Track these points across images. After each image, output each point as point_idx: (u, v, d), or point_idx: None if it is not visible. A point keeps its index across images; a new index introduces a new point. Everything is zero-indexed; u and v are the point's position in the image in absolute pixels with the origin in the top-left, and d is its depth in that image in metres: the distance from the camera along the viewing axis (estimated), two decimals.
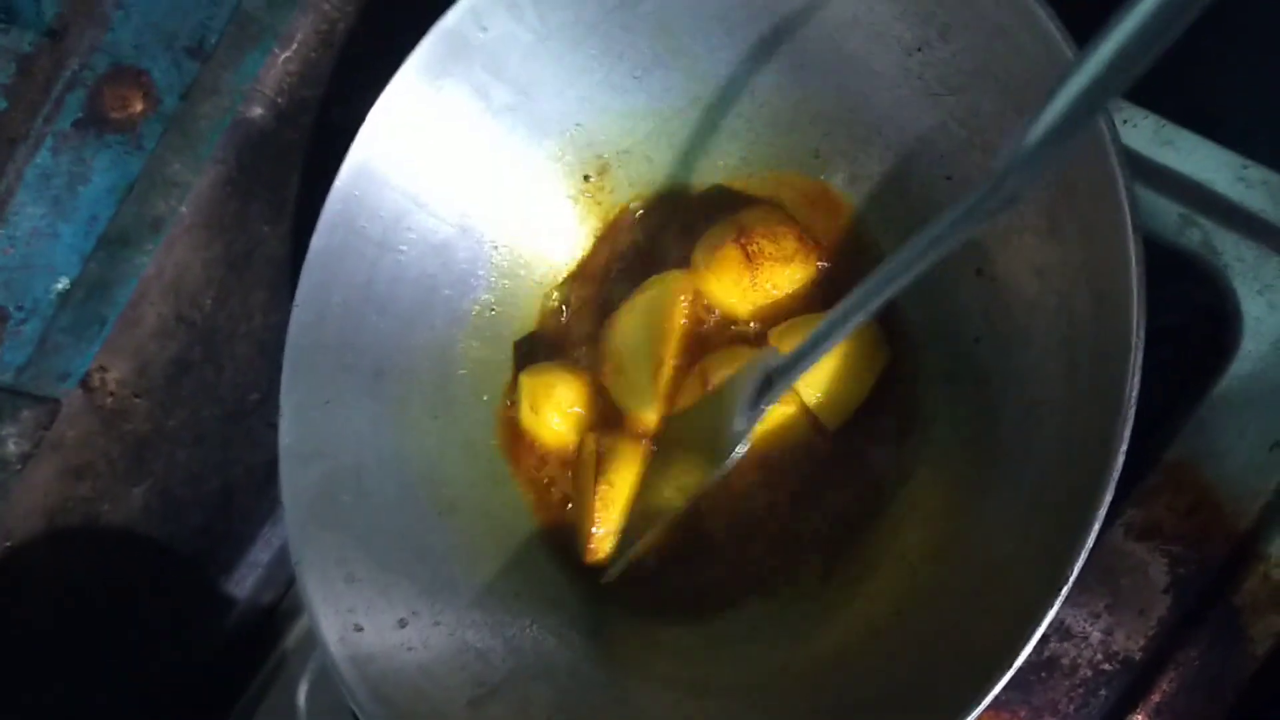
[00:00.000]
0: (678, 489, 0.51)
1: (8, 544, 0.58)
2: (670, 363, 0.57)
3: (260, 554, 0.72)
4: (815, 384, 0.52)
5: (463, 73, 0.57)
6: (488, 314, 0.62)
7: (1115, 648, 0.47)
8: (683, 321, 0.57)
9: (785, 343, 0.52)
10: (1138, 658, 0.47)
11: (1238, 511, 0.47)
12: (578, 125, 0.60)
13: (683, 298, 0.57)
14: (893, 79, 0.50)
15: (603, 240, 0.63)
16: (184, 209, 0.59)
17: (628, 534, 0.54)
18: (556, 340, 0.63)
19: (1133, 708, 0.46)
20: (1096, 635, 0.47)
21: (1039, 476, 0.43)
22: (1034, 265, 0.45)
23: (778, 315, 0.55)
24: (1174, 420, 0.48)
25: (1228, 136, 0.49)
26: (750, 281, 0.55)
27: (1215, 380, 0.48)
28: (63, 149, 0.52)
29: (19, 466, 0.56)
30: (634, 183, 0.62)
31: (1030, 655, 0.37)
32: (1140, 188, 0.48)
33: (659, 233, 0.61)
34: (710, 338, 0.57)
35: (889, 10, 0.48)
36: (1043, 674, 0.47)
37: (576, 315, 0.62)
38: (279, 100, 0.61)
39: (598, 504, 0.55)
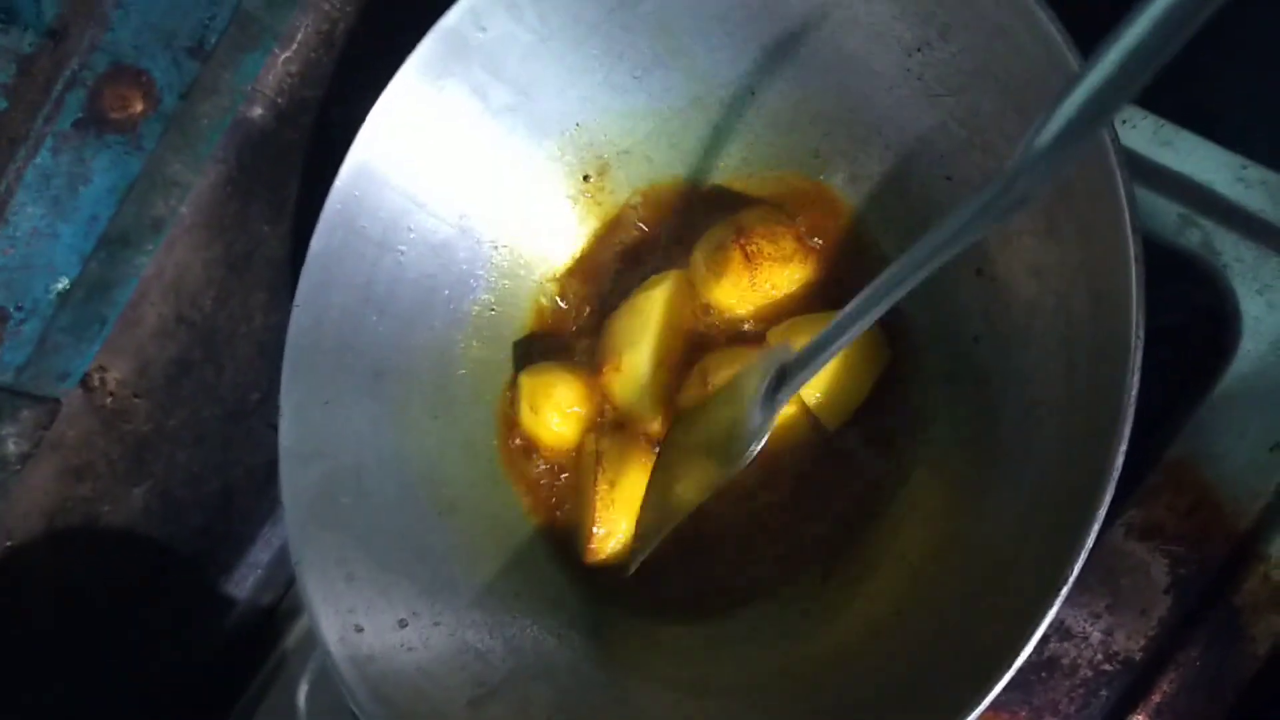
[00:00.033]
0: (694, 485, 0.51)
1: (8, 544, 0.58)
2: (670, 362, 0.57)
3: (260, 554, 0.72)
4: (815, 384, 0.52)
5: (462, 73, 0.57)
6: (487, 314, 0.62)
7: (1116, 648, 0.47)
8: (682, 321, 0.57)
9: (787, 341, 0.52)
10: (1138, 658, 0.47)
11: (1238, 511, 0.47)
12: (578, 125, 0.60)
13: (682, 298, 0.57)
14: (893, 79, 0.50)
15: (602, 240, 0.63)
16: (184, 209, 0.59)
17: (645, 532, 0.54)
18: (556, 340, 0.63)
19: (1133, 708, 0.46)
20: (1097, 635, 0.47)
21: (1039, 476, 0.43)
22: (1033, 265, 0.45)
23: (777, 315, 0.55)
24: (1174, 420, 0.48)
25: (1227, 136, 0.49)
26: (750, 281, 0.55)
27: (1215, 380, 0.48)
28: (63, 149, 0.52)
29: (18, 467, 0.56)
30: (634, 183, 0.62)
31: (1030, 655, 0.37)
32: (1139, 188, 0.48)
33: (659, 233, 0.61)
34: (710, 338, 0.57)
35: (889, 10, 0.48)
36: (1043, 674, 0.47)
37: (576, 315, 0.62)
38: (279, 100, 0.61)
39: (598, 504, 0.55)
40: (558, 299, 0.63)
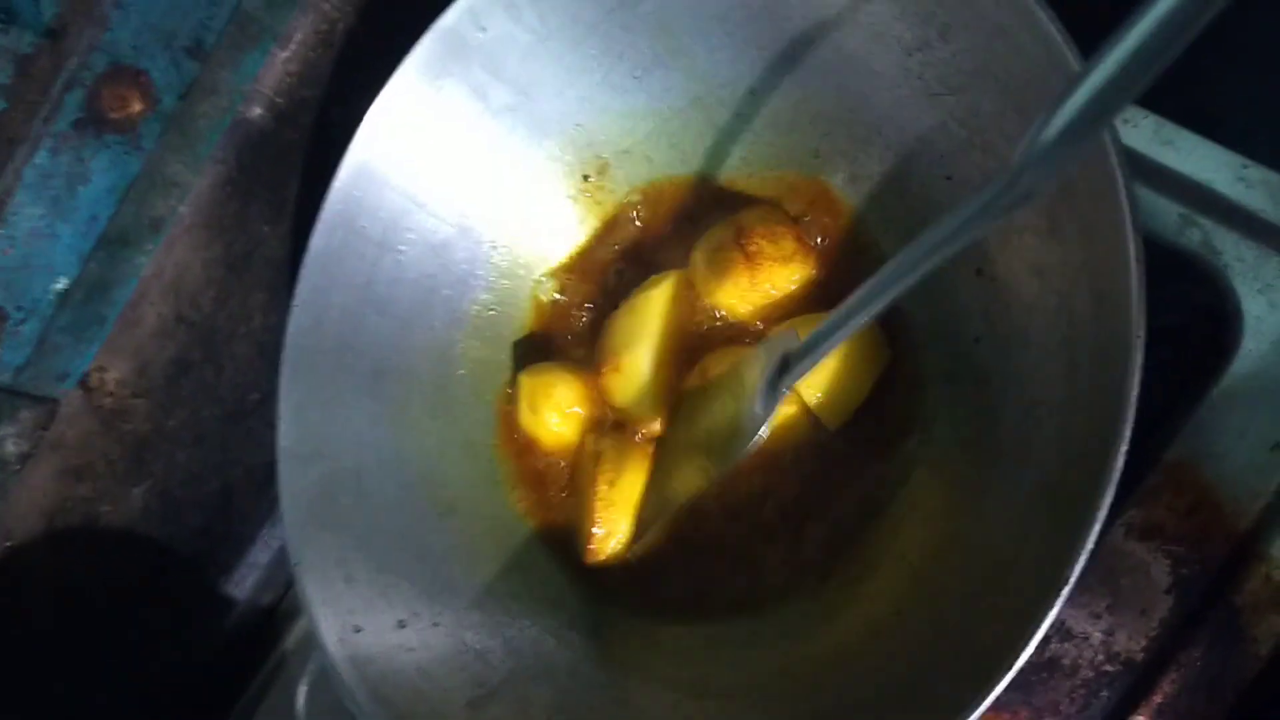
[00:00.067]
0: (695, 474, 0.51)
1: (7, 544, 0.58)
2: (669, 362, 0.57)
3: (260, 554, 0.72)
4: (816, 384, 0.52)
5: (461, 73, 0.57)
6: (487, 314, 0.62)
7: (1116, 648, 0.47)
8: (682, 321, 0.57)
9: (791, 328, 0.52)
10: (1139, 658, 0.46)
11: (1238, 512, 0.47)
12: (577, 125, 0.60)
13: (682, 298, 0.57)
14: (893, 79, 0.50)
15: (602, 240, 0.63)
16: (183, 209, 0.59)
17: (646, 517, 0.54)
18: (556, 340, 0.63)
19: (1134, 708, 0.46)
20: (1098, 636, 0.47)
21: (1039, 476, 0.43)
22: (1034, 265, 0.45)
23: (776, 315, 0.55)
24: (1174, 420, 0.48)
25: (1228, 136, 0.49)
26: (749, 282, 0.55)
27: (1215, 380, 0.48)
28: (62, 149, 0.52)
29: (18, 467, 0.56)
30: (633, 182, 0.62)
31: (1031, 656, 0.37)
32: (1140, 188, 0.48)
33: (658, 233, 0.61)
34: (709, 338, 0.57)
35: (889, 10, 0.48)
36: (1044, 675, 0.47)
37: (576, 315, 0.62)
38: (278, 100, 0.61)
39: (598, 504, 0.55)
40: (557, 299, 0.63)
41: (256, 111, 0.61)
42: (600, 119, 0.60)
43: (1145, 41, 0.25)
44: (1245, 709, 0.46)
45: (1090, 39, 0.41)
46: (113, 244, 0.56)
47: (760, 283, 0.55)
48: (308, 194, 0.64)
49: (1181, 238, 0.49)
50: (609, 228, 0.63)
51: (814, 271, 0.55)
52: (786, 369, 0.44)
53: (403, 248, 0.59)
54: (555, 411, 0.58)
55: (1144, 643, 0.47)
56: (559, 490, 0.60)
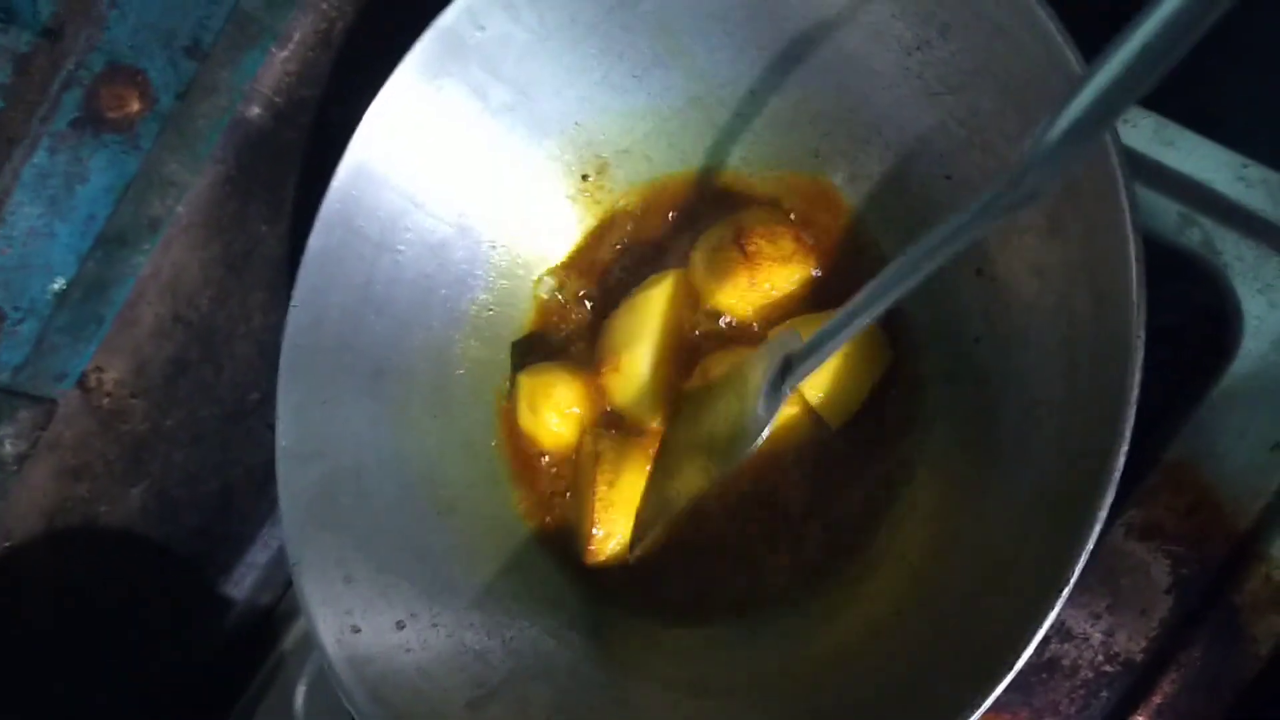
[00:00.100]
0: (697, 475, 0.51)
1: (6, 544, 0.58)
2: (669, 362, 0.57)
3: (258, 555, 0.72)
4: (819, 382, 0.52)
5: (460, 72, 0.57)
6: (486, 314, 0.62)
7: (1116, 649, 0.47)
8: (681, 321, 0.57)
9: (793, 329, 0.52)
10: (1139, 659, 0.46)
11: (1238, 512, 0.47)
12: (576, 125, 0.60)
13: (681, 297, 0.57)
14: (892, 78, 0.50)
15: (601, 240, 0.63)
16: (181, 209, 0.59)
17: (647, 519, 0.54)
18: (555, 340, 0.62)
19: (1134, 709, 0.46)
20: (1097, 636, 0.47)
21: (1039, 476, 0.43)
22: (1034, 265, 0.45)
23: (776, 315, 0.55)
24: (1174, 420, 0.48)
25: (1228, 136, 0.49)
26: (749, 281, 0.54)
27: (1215, 380, 0.48)
28: (60, 149, 0.52)
29: (16, 467, 0.56)
30: (633, 182, 0.62)
31: (1031, 656, 0.37)
32: (1140, 187, 0.48)
33: (658, 232, 0.61)
34: (709, 338, 0.57)
35: (888, 9, 0.48)
36: (1043, 675, 0.47)
37: (575, 315, 0.62)
38: (277, 100, 0.61)
39: (597, 504, 0.54)
40: (557, 298, 0.63)
41: (255, 111, 0.60)
42: (600, 118, 0.60)
43: (1152, 41, 0.25)
44: (1245, 709, 0.46)
45: (1090, 38, 0.41)
46: (111, 243, 0.56)
47: (759, 282, 0.55)
48: (306, 193, 0.64)
49: (1181, 237, 0.49)
50: (608, 227, 0.63)
51: (813, 271, 0.55)
52: (789, 370, 0.44)
53: (401, 247, 0.59)
54: (555, 411, 0.58)
55: (1144, 643, 0.47)
56: (558, 490, 0.60)
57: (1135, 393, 0.38)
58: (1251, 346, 0.48)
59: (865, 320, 0.39)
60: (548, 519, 0.60)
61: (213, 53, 0.57)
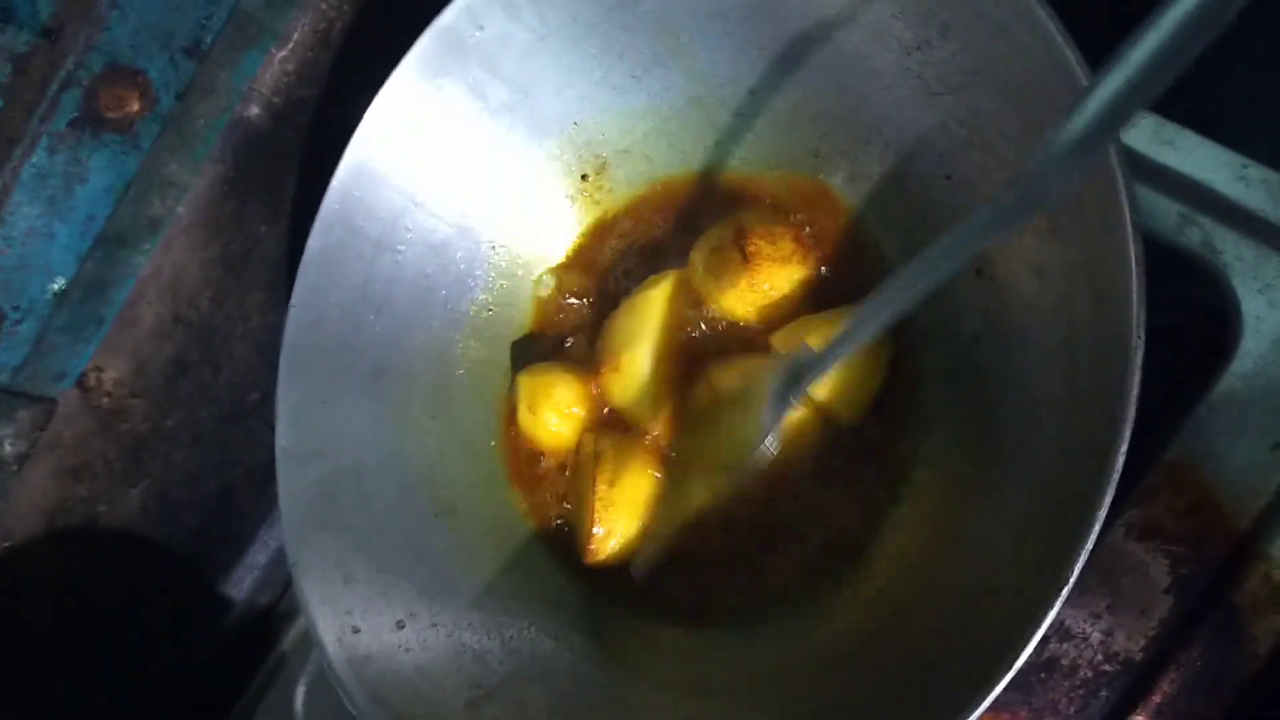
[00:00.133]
0: (708, 488, 0.51)
1: (6, 544, 0.58)
2: (669, 362, 0.56)
3: (258, 555, 0.72)
4: (829, 383, 0.51)
5: (460, 72, 0.56)
6: (485, 314, 0.62)
7: (1116, 648, 0.47)
8: (681, 322, 0.57)
9: (787, 347, 0.52)
10: (1138, 658, 0.46)
11: (1238, 511, 0.47)
12: (576, 124, 0.60)
13: (681, 298, 0.57)
14: (892, 78, 0.50)
15: (601, 240, 0.63)
16: (181, 209, 0.59)
17: (658, 535, 0.53)
18: (555, 340, 0.62)
19: (1133, 708, 0.46)
20: (1097, 636, 0.47)
21: (1039, 476, 0.43)
22: (1034, 265, 0.45)
23: (776, 315, 0.55)
24: (1173, 420, 0.48)
25: (1228, 136, 0.49)
26: (748, 282, 0.54)
27: (1215, 380, 0.48)
28: (59, 149, 0.52)
29: (16, 467, 0.56)
30: (633, 182, 0.62)
31: (1030, 656, 0.37)
32: (1140, 187, 0.47)
33: (657, 232, 0.61)
34: (709, 338, 0.57)
35: (888, 9, 0.48)
36: (1043, 675, 0.47)
37: (575, 315, 0.62)
38: (276, 100, 0.61)
39: (597, 504, 0.54)
40: (556, 299, 0.63)
41: (254, 111, 0.60)
42: (599, 118, 0.60)
43: (1166, 43, 0.24)
44: (1244, 708, 0.46)
45: (1090, 38, 0.41)
46: (110, 244, 0.56)
47: (759, 283, 0.54)
48: (305, 194, 0.64)
49: (1181, 237, 0.49)
50: (608, 227, 0.63)
51: (813, 272, 0.55)
52: (797, 381, 0.44)
53: (401, 247, 0.59)
54: (554, 412, 0.58)
55: (1143, 642, 0.46)
56: (558, 491, 0.60)
57: (1135, 392, 0.37)
58: (1251, 346, 0.48)
59: (873, 330, 0.39)
60: (547, 519, 0.60)
61: (212, 53, 0.57)
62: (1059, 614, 0.37)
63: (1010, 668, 0.37)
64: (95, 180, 0.54)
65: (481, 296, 0.62)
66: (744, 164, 0.59)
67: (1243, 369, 0.47)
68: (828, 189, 0.56)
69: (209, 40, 0.56)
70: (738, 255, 0.54)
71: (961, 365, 0.50)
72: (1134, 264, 0.38)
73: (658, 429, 0.57)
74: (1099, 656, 0.47)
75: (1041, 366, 0.45)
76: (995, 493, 0.46)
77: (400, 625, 0.53)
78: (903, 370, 0.53)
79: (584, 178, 0.62)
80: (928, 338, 0.52)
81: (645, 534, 0.54)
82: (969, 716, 0.38)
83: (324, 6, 0.61)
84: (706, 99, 0.58)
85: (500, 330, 0.62)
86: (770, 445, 0.46)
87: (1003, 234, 0.32)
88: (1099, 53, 0.40)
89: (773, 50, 0.54)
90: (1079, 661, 0.47)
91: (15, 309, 0.53)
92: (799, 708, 0.48)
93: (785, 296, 0.55)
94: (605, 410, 0.58)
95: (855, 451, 0.53)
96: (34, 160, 0.51)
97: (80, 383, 0.58)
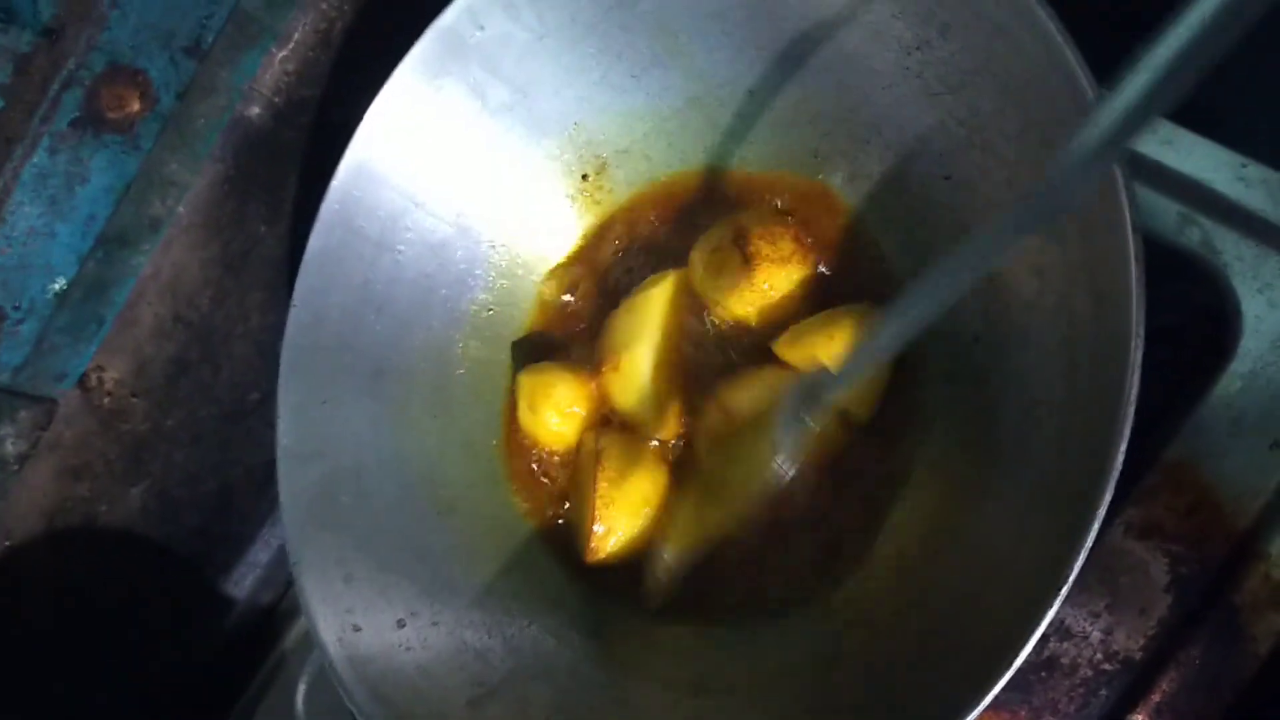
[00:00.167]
0: (728, 515, 0.51)
1: (6, 544, 0.58)
2: (669, 362, 0.57)
3: (259, 554, 0.72)
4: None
5: (460, 72, 0.57)
6: (486, 314, 0.62)
7: (1115, 647, 0.47)
8: (681, 321, 0.57)
9: (789, 352, 0.52)
10: (1138, 657, 0.46)
11: (1238, 511, 0.47)
12: (576, 124, 0.60)
13: (681, 297, 0.57)
14: (892, 78, 0.50)
15: (601, 239, 0.63)
16: (181, 209, 0.59)
17: (680, 563, 0.53)
18: (555, 340, 0.63)
19: (1133, 707, 0.46)
20: (1096, 635, 0.47)
21: (1039, 476, 0.43)
22: (1033, 265, 0.45)
23: (775, 315, 0.55)
24: (1173, 419, 0.48)
25: (1227, 136, 0.49)
26: (748, 282, 0.54)
27: (1215, 379, 0.48)
28: (60, 149, 0.52)
29: (16, 467, 0.56)
30: (632, 182, 0.62)
31: (1030, 655, 0.37)
32: (1140, 187, 0.47)
33: (657, 232, 0.61)
34: (709, 338, 0.57)
35: (888, 9, 0.48)
36: (1042, 674, 0.47)
37: (575, 315, 0.62)
38: (277, 100, 0.61)
39: (598, 501, 0.54)
40: (557, 298, 0.63)
41: (255, 111, 0.61)
42: (599, 118, 0.60)
43: (1187, 45, 0.24)
44: (1244, 707, 0.46)
45: (1090, 38, 0.41)
46: (111, 244, 0.56)
47: (758, 283, 0.54)
48: (306, 193, 0.64)
49: (1181, 237, 0.49)
50: (607, 227, 0.63)
51: (813, 271, 0.55)
52: (814, 399, 0.43)
53: (401, 247, 0.59)
54: (555, 411, 0.58)
55: (1143, 641, 0.47)
56: (559, 490, 0.60)
57: (1134, 392, 0.38)
58: (1251, 346, 0.48)
59: (890, 347, 0.38)
60: (548, 518, 0.60)
61: (213, 53, 0.57)
62: (1059, 613, 0.37)
63: (1010, 666, 0.38)
64: (96, 180, 0.54)
65: (482, 296, 0.62)
66: (744, 164, 0.59)
67: (1242, 369, 0.47)
68: (828, 189, 0.56)
69: (209, 40, 0.56)
70: (738, 255, 0.54)
71: (961, 365, 0.50)
72: (1134, 264, 0.38)
73: (658, 427, 0.57)
74: (1099, 655, 0.47)
75: (1041, 366, 0.45)
76: (995, 493, 0.46)
77: (401, 624, 0.53)
78: (903, 370, 0.53)
79: (584, 177, 0.62)
80: (928, 338, 0.52)
81: (657, 561, 0.54)
82: (969, 715, 0.38)
83: (324, 6, 0.61)
84: (706, 99, 0.58)
85: (501, 330, 0.63)
86: (786, 466, 0.45)
87: (1020, 243, 0.32)
88: (1099, 53, 0.40)
89: (772, 50, 0.54)
90: (1079, 660, 0.47)
91: (16, 309, 0.53)
92: (799, 707, 0.48)
93: (785, 296, 0.55)
94: (605, 409, 0.58)
95: (855, 451, 0.53)
96: (35, 160, 0.51)
97: (81, 383, 0.58)
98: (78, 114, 0.52)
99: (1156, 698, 0.46)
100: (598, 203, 0.63)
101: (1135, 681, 0.46)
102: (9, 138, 0.51)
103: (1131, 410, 0.37)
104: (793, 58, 0.54)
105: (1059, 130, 0.43)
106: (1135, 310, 0.38)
